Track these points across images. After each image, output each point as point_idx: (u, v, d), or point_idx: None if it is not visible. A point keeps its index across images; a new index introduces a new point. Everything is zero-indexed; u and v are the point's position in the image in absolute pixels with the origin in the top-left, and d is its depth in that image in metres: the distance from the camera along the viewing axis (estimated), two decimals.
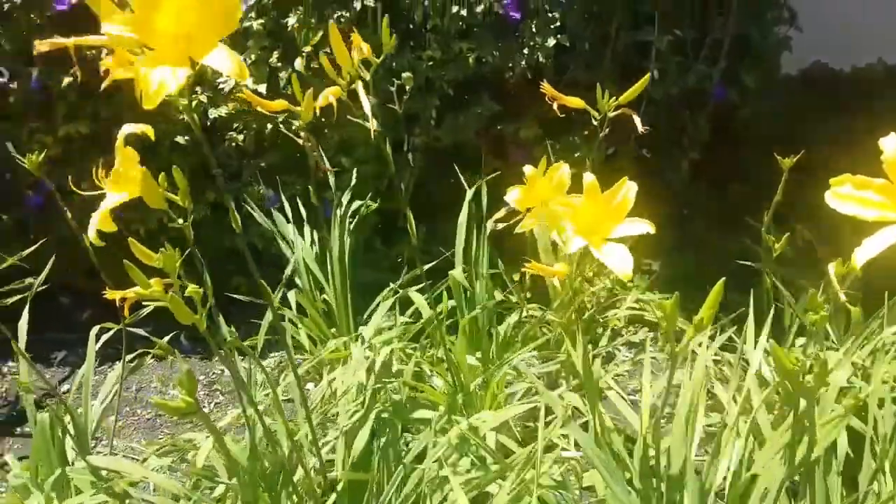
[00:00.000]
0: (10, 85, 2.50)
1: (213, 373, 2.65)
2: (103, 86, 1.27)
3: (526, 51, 2.66)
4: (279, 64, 2.51)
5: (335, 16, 2.43)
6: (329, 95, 1.61)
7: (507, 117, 2.82)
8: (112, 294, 1.57)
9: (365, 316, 2.32)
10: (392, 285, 2.33)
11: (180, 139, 2.55)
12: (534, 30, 2.68)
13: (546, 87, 1.90)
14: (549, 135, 2.88)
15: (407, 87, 1.90)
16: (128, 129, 1.43)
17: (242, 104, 2.54)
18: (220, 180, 2.07)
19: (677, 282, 2.63)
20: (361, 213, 2.37)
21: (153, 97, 1.03)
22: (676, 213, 3.27)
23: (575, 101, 1.91)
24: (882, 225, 1.06)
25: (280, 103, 1.70)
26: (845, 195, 1.08)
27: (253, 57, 2.49)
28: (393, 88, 1.89)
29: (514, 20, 2.63)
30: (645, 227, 1.41)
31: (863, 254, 1.04)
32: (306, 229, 2.47)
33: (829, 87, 4.17)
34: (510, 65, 2.67)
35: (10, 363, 2.74)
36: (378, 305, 2.24)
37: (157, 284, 1.33)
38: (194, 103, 2.52)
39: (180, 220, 1.42)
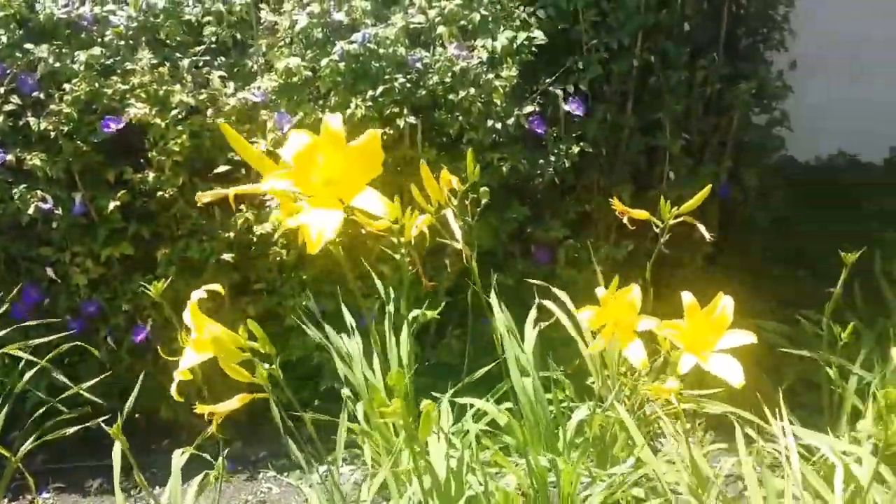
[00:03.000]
0: (56, 211, 2.46)
1: (261, 491, 2.53)
2: (277, 235, 1.34)
3: (553, 158, 2.74)
4: None
5: (380, 133, 2.47)
6: (422, 225, 1.65)
7: (534, 220, 2.86)
8: (202, 409, 1.53)
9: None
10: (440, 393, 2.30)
11: (226, 256, 2.51)
12: (555, 137, 2.78)
13: (616, 203, 1.95)
14: (573, 235, 2.94)
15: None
16: (197, 294, 1.44)
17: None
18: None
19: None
20: (418, 321, 2.34)
21: (315, 244, 1.12)
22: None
23: (641, 214, 1.95)
24: None
25: (384, 223, 1.72)
26: None
27: None
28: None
29: (538, 134, 2.71)
30: (747, 337, 1.45)
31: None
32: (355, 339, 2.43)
33: (799, 177, 4.38)
34: (538, 171, 2.74)
35: (45, 494, 2.59)
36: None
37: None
38: (240, 221, 2.51)
39: (266, 365, 1.43)
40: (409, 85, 2.49)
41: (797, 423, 2.04)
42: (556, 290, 2.34)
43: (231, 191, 1.20)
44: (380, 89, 2.47)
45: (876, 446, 1.80)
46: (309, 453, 1.88)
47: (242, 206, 2.53)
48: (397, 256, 1.73)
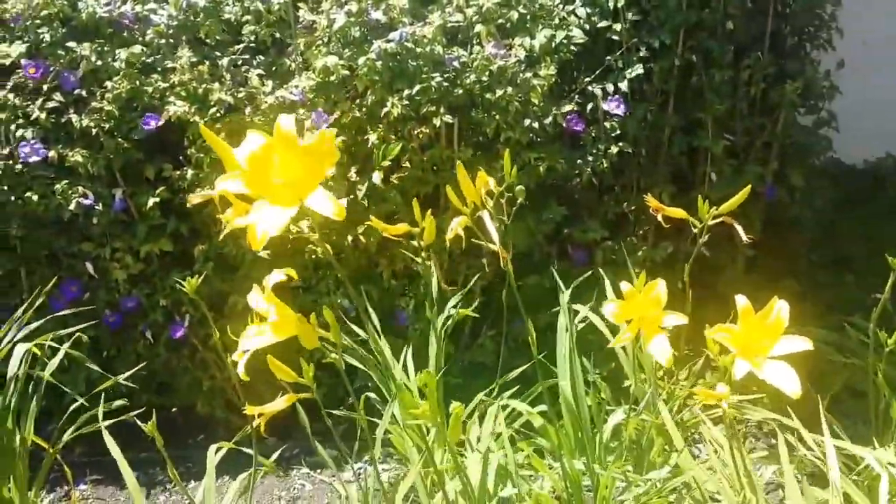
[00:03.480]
0: (96, 207, 2.50)
1: (294, 488, 2.55)
2: (221, 235, 1.32)
3: (591, 158, 2.71)
4: (357, 178, 2.53)
5: (415, 132, 2.47)
6: (458, 227, 1.64)
7: (572, 220, 2.83)
8: (251, 410, 1.54)
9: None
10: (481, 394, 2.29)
11: (262, 253, 2.53)
12: (593, 137, 2.75)
13: (651, 200, 1.91)
14: (611, 236, 2.91)
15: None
16: (274, 277, 1.44)
17: (318, 218, 2.54)
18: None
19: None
20: (452, 321, 2.33)
21: (259, 242, 1.10)
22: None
23: (678, 213, 1.91)
24: None
25: (402, 227, 1.71)
26: None
27: (332, 172, 2.51)
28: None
29: (576, 132, 2.69)
30: (804, 344, 1.38)
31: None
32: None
33: (846, 180, 4.27)
34: (576, 171, 2.71)
35: (82, 486, 2.63)
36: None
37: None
38: None
39: (333, 355, 1.43)
40: (445, 84, 2.47)
41: (841, 432, 1.99)
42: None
43: (216, 192, 1.20)
44: (416, 88, 2.46)
45: None
46: (344, 451, 1.88)
47: None
48: (419, 260, 1.71)
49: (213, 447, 1.85)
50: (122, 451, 2.72)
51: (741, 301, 1.44)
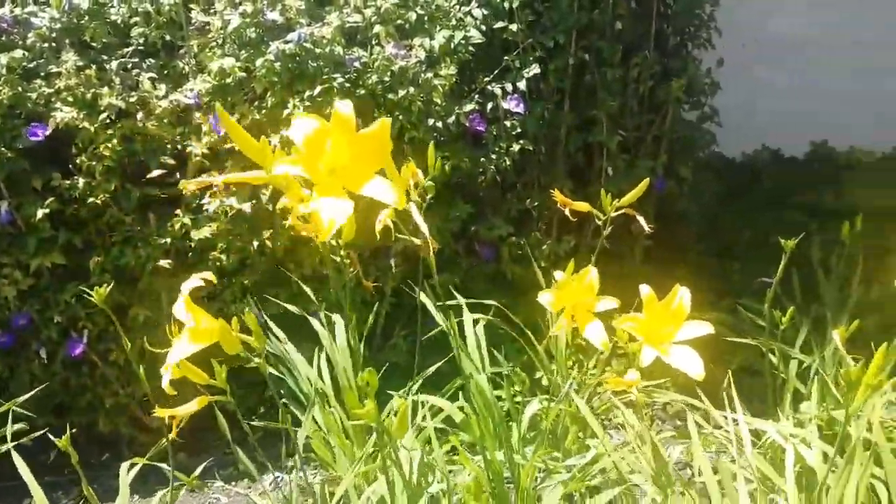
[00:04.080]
0: None
1: (209, 502, 2.45)
2: (287, 223, 1.29)
3: (493, 156, 2.74)
4: None
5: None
6: (386, 218, 1.61)
7: (478, 218, 2.85)
8: (161, 412, 1.48)
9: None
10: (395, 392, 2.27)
11: (163, 262, 2.42)
12: (495, 135, 2.78)
13: (557, 195, 1.94)
14: (516, 232, 2.95)
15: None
16: (191, 283, 1.37)
17: (223, 225, 2.46)
18: None
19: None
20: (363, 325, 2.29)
21: (327, 230, 1.08)
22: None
23: (583, 206, 1.95)
24: None
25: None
26: None
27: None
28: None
29: (478, 132, 2.71)
30: (705, 328, 1.44)
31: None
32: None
33: (727, 174, 4.51)
34: (480, 170, 2.73)
35: None
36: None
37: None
38: (177, 226, 2.42)
39: (255, 359, 1.39)
40: (347, 84, 2.44)
41: (744, 410, 2.08)
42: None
43: (221, 178, 1.14)
44: (318, 89, 2.42)
45: (820, 428, 1.85)
46: (259, 461, 1.81)
47: (178, 212, 2.44)
48: (337, 259, 1.67)
49: (124, 465, 1.75)
50: (18, 477, 2.55)
51: (645, 290, 1.48)
